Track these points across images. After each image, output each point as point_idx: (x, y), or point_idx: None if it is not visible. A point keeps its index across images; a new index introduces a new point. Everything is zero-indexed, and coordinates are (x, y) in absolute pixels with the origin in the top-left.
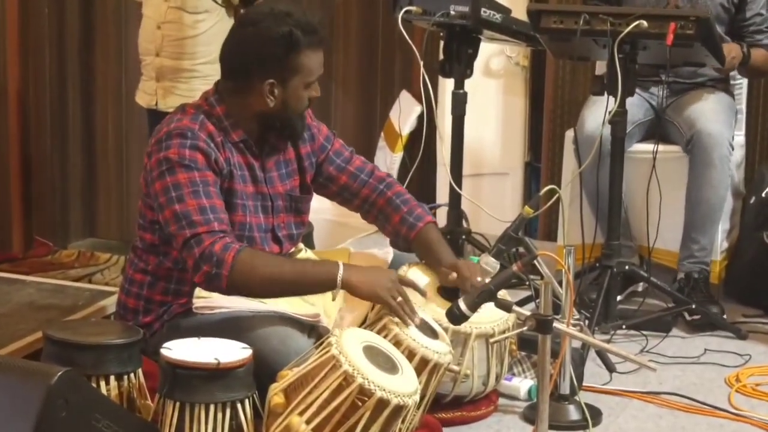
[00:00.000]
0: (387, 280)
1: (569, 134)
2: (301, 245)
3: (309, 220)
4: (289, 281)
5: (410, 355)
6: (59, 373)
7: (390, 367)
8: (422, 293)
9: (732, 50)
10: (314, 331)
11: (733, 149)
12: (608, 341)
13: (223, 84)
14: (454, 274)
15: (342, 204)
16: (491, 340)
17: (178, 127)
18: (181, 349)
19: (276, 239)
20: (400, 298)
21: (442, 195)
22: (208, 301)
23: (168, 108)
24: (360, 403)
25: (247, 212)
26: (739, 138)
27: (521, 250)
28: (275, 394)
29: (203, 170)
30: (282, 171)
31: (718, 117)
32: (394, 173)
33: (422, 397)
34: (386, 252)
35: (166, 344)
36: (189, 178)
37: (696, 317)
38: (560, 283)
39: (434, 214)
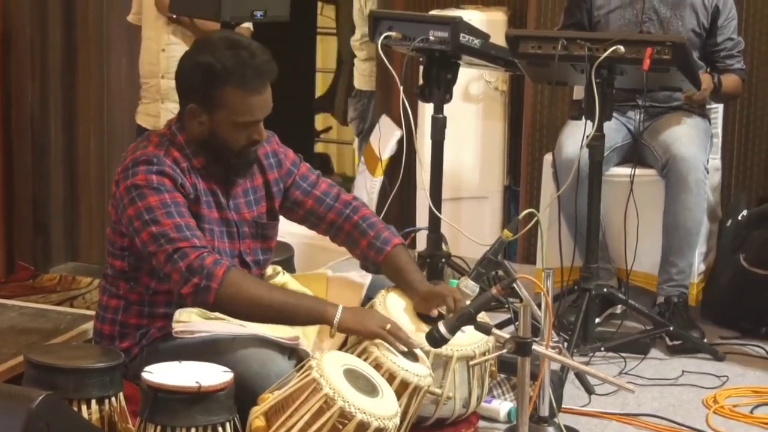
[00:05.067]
0: (379, 317)
1: (548, 158)
2: (278, 268)
3: (289, 243)
4: (277, 308)
5: (390, 377)
6: (40, 397)
7: (370, 389)
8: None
9: (703, 82)
10: (294, 354)
11: (708, 173)
12: (587, 363)
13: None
14: (435, 311)
15: (310, 228)
16: (472, 363)
17: (143, 154)
18: (162, 373)
19: (244, 264)
20: (389, 325)
21: (422, 219)
22: (187, 325)
23: None
24: (341, 426)
25: (214, 237)
26: (715, 162)
27: (500, 273)
28: (256, 418)
29: (172, 192)
30: (249, 198)
31: (693, 141)
32: (375, 197)
33: (402, 420)
34: (364, 276)
35: (147, 368)
36: (160, 200)
37: (677, 342)
38: (539, 306)
39: (414, 238)
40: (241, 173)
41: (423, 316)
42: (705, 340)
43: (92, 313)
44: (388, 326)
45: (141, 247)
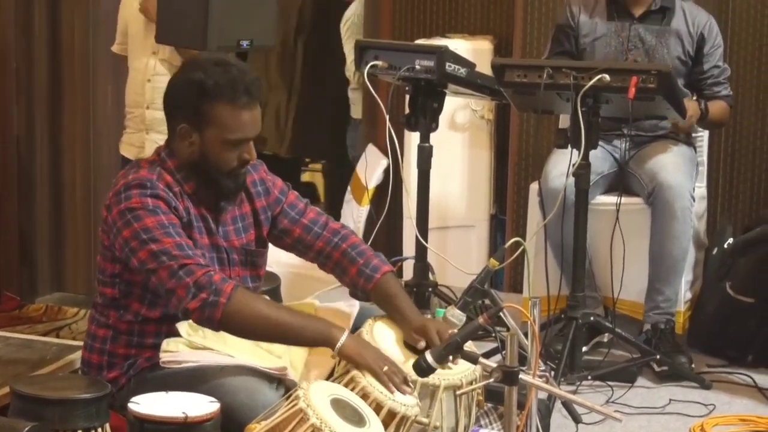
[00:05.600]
0: (379, 355)
1: (534, 187)
2: (266, 297)
3: (276, 273)
4: (283, 327)
5: (377, 407)
6: (27, 429)
7: (357, 419)
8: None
9: (690, 108)
10: (282, 384)
11: (694, 200)
12: (574, 392)
13: (168, 132)
14: (423, 343)
15: (299, 255)
16: (459, 392)
17: (136, 178)
18: (148, 403)
19: None
20: (386, 368)
21: (409, 248)
22: (174, 355)
23: None
24: None
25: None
26: (701, 190)
27: (487, 302)
28: None
29: (168, 214)
30: (238, 225)
31: (679, 169)
32: (361, 226)
33: None
34: (351, 305)
35: (133, 398)
36: (157, 222)
37: (664, 368)
38: (526, 335)
39: (400, 267)
40: (231, 196)
41: (410, 345)
42: (693, 366)
43: (79, 343)
44: (386, 368)
45: (139, 266)
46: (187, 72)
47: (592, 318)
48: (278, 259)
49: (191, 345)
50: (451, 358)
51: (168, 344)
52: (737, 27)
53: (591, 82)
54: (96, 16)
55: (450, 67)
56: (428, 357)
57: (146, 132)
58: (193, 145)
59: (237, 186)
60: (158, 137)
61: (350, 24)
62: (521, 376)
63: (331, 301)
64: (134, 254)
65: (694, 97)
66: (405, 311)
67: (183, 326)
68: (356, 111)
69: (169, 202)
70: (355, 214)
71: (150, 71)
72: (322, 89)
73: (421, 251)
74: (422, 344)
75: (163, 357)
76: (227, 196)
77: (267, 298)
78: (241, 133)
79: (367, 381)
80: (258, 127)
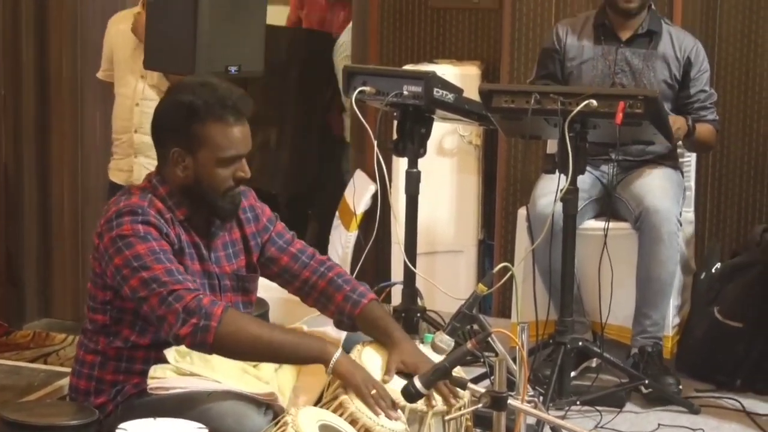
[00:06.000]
0: (369, 378)
1: (522, 212)
2: (256, 318)
3: (264, 299)
4: (277, 346)
5: None
6: None
7: None
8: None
9: (677, 122)
10: (270, 409)
11: (681, 225)
12: (563, 417)
13: (158, 159)
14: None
15: (282, 285)
16: (447, 418)
17: (127, 205)
18: (136, 430)
19: None
20: (374, 391)
21: (397, 273)
22: (162, 381)
23: None
24: None
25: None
26: (689, 214)
27: (475, 327)
28: None
29: (159, 240)
30: (229, 251)
31: (666, 193)
32: (349, 252)
33: None
34: (339, 330)
35: (121, 425)
36: (148, 248)
37: (650, 390)
38: (514, 360)
39: (389, 293)
40: (228, 217)
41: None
42: (680, 388)
43: (66, 369)
44: (374, 391)
45: (130, 294)
46: (174, 96)
47: (580, 343)
48: (267, 285)
49: (179, 371)
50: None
51: (155, 371)
52: (724, 52)
53: (578, 108)
54: (84, 43)
55: (438, 92)
56: (416, 382)
57: (134, 156)
58: (187, 169)
59: (234, 206)
60: (146, 161)
61: (343, 51)
62: (510, 401)
63: (319, 326)
64: (126, 282)
65: None
66: (395, 335)
67: (171, 353)
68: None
69: (160, 229)
70: (343, 240)
71: (138, 95)
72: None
73: (409, 276)
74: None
75: (151, 383)
76: (224, 217)
77: (256, 318)
78: (234, 150)
79: (355, 407)
80: (249, 143)
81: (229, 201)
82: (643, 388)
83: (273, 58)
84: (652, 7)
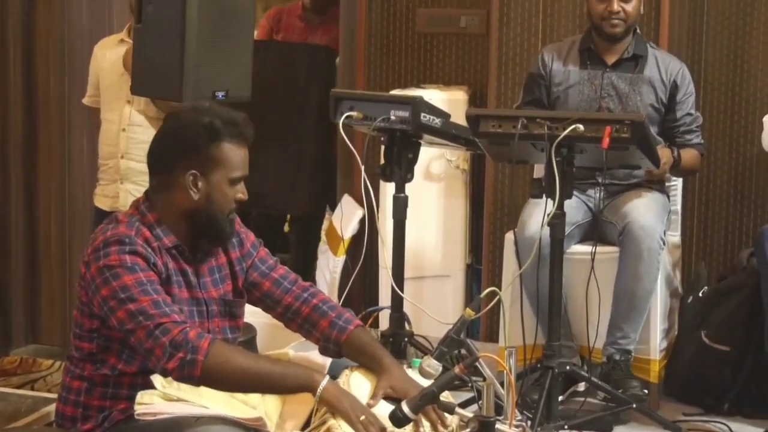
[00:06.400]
0: (358, 405)
1: (509, 236)
2: (242, 349)
3: (251, 323)
4: (264, 377)
5: None
6: None
7: None
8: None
9: (663, 155)
10: None
11: (664, 244)
12: None
13: (151, 184)
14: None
15: (265, 310)
16: None
17: (114, 234)
18: None
19: None
20: (363, 417)
21: (385, 298)
22: (149, 407)
23: None
24: None
25: (184, 317)
26: (675, 238)
27: (463, 352)
28: None
29: (147, 271)
30: (215, 276)
31: (651, 211)
32: (337, 276)
33: None
34: (324, 357)
35: None
36: (135, 279)
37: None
38: (502, 384)
39: (376, 317)
40: (229, 239)
41: (387, 396)
42: (645, 392)
43: (53, 395)
44: (362, 417)
45: (117, 326)
46: (185, 120)
47: (568, 367)
48: (254, 310)
49: (166, 397)
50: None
51: (142, 396)
52: (710, 75)
53: (565, 132)
54: (71, 68)
55: (425, 117)
56: (404, 407)
57: (121, 182)
58: (200, 192)
59: (233, 229)
60: (133, 187)
61: None
62: (498, 426)
63: (306, 351)
64: (113, 314)
65: (667, 145)
66: (383, 359)
67: (157, 378)
68: None
69: (147, 259)
70: (330, 265)
71: (125, 121)
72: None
73: (397, 301)
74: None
75: (138, 409)
76: (225, 240)
77: (243, 349)
78: (242, 170)
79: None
80: (248, 165)
81: (229, 223)
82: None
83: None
84: (638, 31)
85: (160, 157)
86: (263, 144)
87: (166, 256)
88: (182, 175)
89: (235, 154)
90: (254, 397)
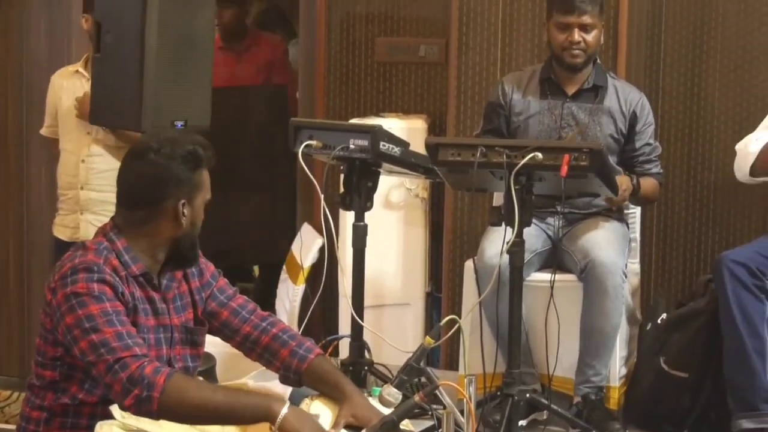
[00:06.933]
0: (319, 428)
1: (469, 264)
2: (201, 380)
3: (211, 353)
4: (222, 409)
5: None
6: None
7: None
8: None
9: (623, 183)
10: None
11: (626, 277)
12: None
13: (126, 217)
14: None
15: (225, 340)
16: None
17: (83, 262)
18: None
19: None
20: None
21: (345, 326)
22: None
23: None
24: None
25: (147, 346)
26: (634, 266)
27: (423, 380)
28: None
29: (113, 301)
30: (178, 303)
31: (611, 246)
32: (296, 305)
33: None
34: (285, 386)
35: None
36: (101, 309)
37: None
38: (462, 413)
39: (336, 346)
40: (196, 262)
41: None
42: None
43: (11, 426)
44: None
45: (80, 356)
46: (166, 151)
47: (528, 395)
48: (213, 340)
49: (125, 427)
50: None
51: (101, 427)
52: (667, 105)
53: (524, 161)
54: (30, 99)
55: (384, 146)
56: None
57: (81, 212)
58: (185, 217)
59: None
60: (93, 217)
61: None
62: None
63: (266, 381)
64: (76, 343)
65: (626, 173)
66: (346, 387)
67: (117, 409)
68: None
69: (115, 288)
70: (290, 294)
71: (84, 152)
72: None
73: (356, 330)
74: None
75: None
76: (194, 263)
77: (202, 380)
78: (210, 192)
79: None
80: None
81: (196, 246)
82: None
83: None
84: (598, 61)
85: (146, 192)
86: (241, 194)
87: (133, 285)
88: (173, 206)
89: (207, 177)
90: (214, 428)
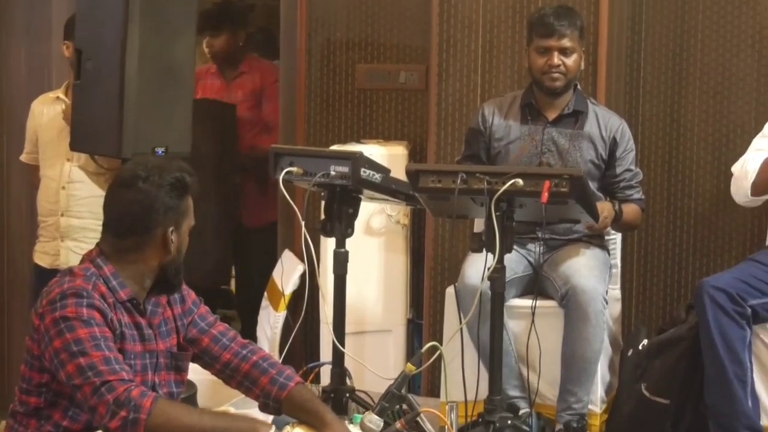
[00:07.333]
0: None
1: (450, 291)
2: (186, 405)
3: (192, 380)
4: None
5: None
6: None
7: None
8: None
9: (605, 209)
10: None
11: (607, 303)
12: None
13: (114, 244)
14: None
15: (204, 368)
16: None
17: (72, 287)
18: None
19: None
20: None
21: (326, 353)
22: None
23: None
24: None
25: (134, 372)
26: (615, 292)
27: (405, 407)
28: None
29: (102, 326)
30: (162, 329)
31: (592, 272)
32: (278, 332)
33: None
34: (265, 414)
35: None
36: (89, 333)
37: None
38: None
39: (318, 373)
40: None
41: None
42: None
43: None
44: None
45: (65, 380)
46: (154, 179)
47: (509, 422)
48: (195, 367)
49: None
50: None
51: None
52: (647, 131)
53: (504, 187)
54: (10, 125)
55: (365, 172)
56: None
57: (61, 239)
58: (173, 244)
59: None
60: (74, 244)
61: None
62: None
63: (247, 408)
64: (62, 367)
65: (608, 200)
66: (326, 415)
67: None
68: None
69: (104, 314)
70: (271, 320)
71: (65, 178)
72: None
73: (338, 356)
74: None
75: None
76: (179, 289)
77: (186, 405)
78: (194, 218)
79: None
80: None
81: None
82: None
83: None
84: (578, 86)
85: (136, 220)
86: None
87: (121, 311)
88: (162, 233)
89: (192, 204)
90: None
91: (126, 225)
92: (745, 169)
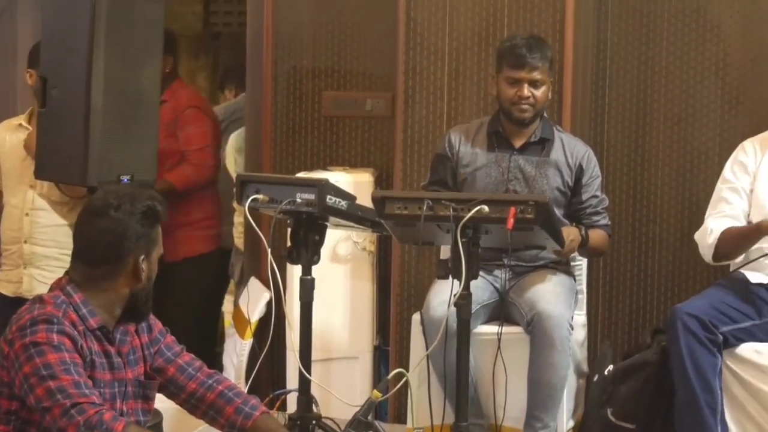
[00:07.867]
0: None
1: (416, 317)
2: None
3: (158, 409)
4: None
5: None
6: None
7: None
8: None
9: (571, 233)
10: None
11: (572, 329)
12: None
13: (85, 273)
14: None
15: (169, 398)
16: None
17: (42, 314)
18: None
19: None
20: None
21: (292, 380)
22: None
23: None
24: None
25: (105, 399)
26: (581, 317)
27: None
28: None
29: (72, 352)
30: (131, 357)
31: (558, 299)
32: (244, 360)
33: None
34: None
35: None
36: (59, 358)
37: None
38: None
39: (284, 400)
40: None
41: None
42: None
43: None
44: None
45: (34, 404)
46: (125, 208)
47: None
48: (160, 396)
49: None
50: None
51: None
52: (612, 157)
53: (470, 214)
54: None
55: (331, 199)
56: None
57: (24, 267)
58: (144, 272)
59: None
60: (37, 272)
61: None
62: None
63: None
64: (32, 391)
65: (574, 225)
66: None
67: None
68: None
69: (75, 340)
70: (238, 348)
71: (28, 205)
72: None
73: (304, 383)
74: None
75: None
76: (147, 317)
77: None
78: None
79: None
80: None
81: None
82: None
83: None
84: (545, 114)
85: (108, 249)
86: None
87: (91, 339)
88: (133, 262)
89: (160, 234)
90: None
91: (98, 253)
92: (705, 242)
